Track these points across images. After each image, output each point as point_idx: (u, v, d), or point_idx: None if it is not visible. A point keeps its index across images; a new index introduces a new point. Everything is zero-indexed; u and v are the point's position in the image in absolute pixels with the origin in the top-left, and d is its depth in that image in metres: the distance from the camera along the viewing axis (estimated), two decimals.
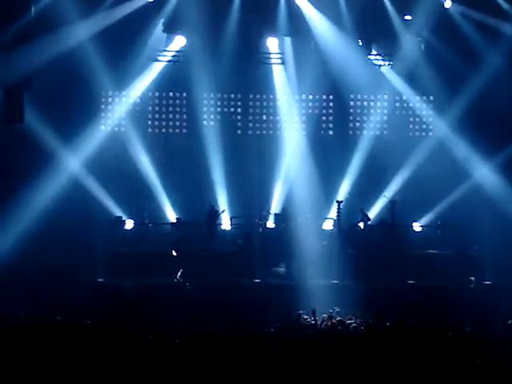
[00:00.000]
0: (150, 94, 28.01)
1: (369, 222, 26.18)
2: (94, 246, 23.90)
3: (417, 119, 28.85)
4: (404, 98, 28.60)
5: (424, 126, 28.78)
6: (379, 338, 13.77)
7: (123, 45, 25.75)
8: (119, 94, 27.78)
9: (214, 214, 25.55)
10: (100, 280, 22.82)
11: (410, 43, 26.56)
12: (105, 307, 18.57)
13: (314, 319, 16.68)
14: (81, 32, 23.99)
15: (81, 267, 23.08)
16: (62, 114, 25.34)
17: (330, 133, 28.88)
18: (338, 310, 18.21)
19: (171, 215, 26.82)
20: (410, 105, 28.73)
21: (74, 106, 25.92)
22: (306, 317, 17.38)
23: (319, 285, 21.54)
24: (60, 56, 23.23)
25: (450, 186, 26.36)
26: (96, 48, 24.67)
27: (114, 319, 16.34)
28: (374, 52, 27.65)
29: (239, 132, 28.62)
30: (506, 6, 25.30)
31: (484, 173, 26.14)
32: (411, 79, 27.57)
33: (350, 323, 16.21)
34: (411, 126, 28.84)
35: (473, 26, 25.73)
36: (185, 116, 27.73)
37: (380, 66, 27.83)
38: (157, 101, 28.16)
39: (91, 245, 23.92)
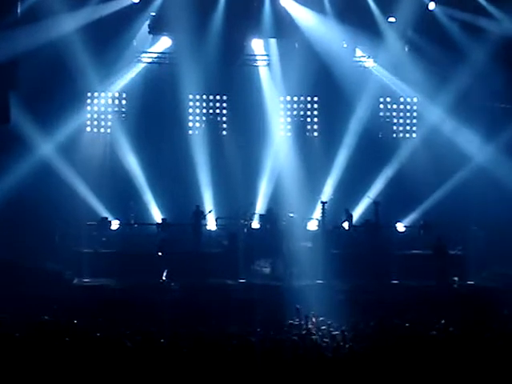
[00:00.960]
0: (136, 94, 28.00)
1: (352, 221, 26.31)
2: (79, 246, 23.97)
3: (401, 120, 29.03)
4: (388, 99, 28.83)
5: (408, 128, 28.96)
6: (364, 338, 13.88)
7: (109, 45, 25.75)
8: (105, 93, 27.81)
9: (200, 215, 25.56)
10: (85, 280, 22.82)
11: (395, 44, 26.71)
12: (90, 308, 18.55)
13: (299, 319, 16.76)
14: (66, 24, 23.88)
15: (66, 267, 23.15)
16: (46, 112, 25.29)
17: (315, 134, 29.02)
18: (322, 309, 18.27)
19: (157, 216, 26.89)
20: (394, 106, 28.94)
21: (59, 103, 25.85)
22: (291, 317, 17.45)
23: (304, 285, 21.68)
24: (44, 48, 23.07)
25: (434, 187, 26.56)
26: (81, 46, 24.66)
27: (100, 320, 16.38)
28: (359, 53, 27.85)
29: (225, 133, 28.72)
30: (486, 4, 25.57)
31: (474, 164, 26.39)
32: (396, 79, 27.79)
33: (333, 324, 16.29)
34: (395, 128, 29.03)
35: (457, 25, 25.92)
36: (171, 117, 27.69)
37: (365, 67, 28.04)
38: (142, 101, 28.10)
39: (77, 245, 23.99)
